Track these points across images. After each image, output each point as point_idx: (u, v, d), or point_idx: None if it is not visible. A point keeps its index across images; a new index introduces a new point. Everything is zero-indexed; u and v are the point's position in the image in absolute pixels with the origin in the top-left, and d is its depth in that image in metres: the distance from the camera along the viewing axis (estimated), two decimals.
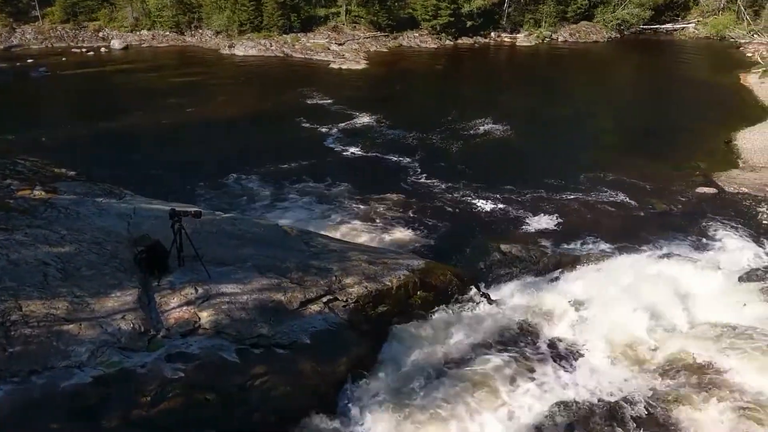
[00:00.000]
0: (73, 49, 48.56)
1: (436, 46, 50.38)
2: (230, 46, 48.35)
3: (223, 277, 11.69)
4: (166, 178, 22.44)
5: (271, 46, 48.66)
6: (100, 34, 51.38)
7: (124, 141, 26.92)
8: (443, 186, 22.29)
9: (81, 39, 50.70)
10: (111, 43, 50.01)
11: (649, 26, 54.84)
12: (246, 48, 48.04)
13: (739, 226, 19.09)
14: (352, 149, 26.54)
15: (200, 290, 11.08)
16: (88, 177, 19.87)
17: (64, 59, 45.05)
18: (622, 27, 53.73)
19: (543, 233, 18.87)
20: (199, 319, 10.43)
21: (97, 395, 8.32)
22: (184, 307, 10.61)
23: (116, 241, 12.61)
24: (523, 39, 52.52)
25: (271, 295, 11.53)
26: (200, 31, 52.28)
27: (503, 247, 17.34)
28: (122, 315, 9.97)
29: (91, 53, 47.81)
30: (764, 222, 19.40)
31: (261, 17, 50.35)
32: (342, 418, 10.20)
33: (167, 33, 51.90)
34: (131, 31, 51.72)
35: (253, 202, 20.94)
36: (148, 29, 52.02)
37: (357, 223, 19.03)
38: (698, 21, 55.42)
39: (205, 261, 11.54)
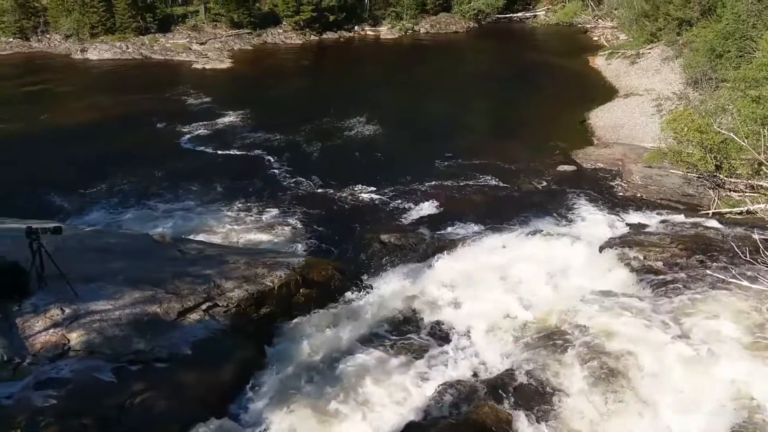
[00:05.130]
0: None
1: (301, 42, 50.08)
2: (83, 50, 45.64)
3: (93, 295, 11.16)
4: (20, 193, 20.80)
5: (128, 48, 46.44)
6: None
7: None
8: (319, 183, 22.20)
9: None
10: None
11: (503, 15, 57.48)
12: (100, 51, 45.55)
13: (597, 199, 20.46)
14: (224, 151, 25.78)
15: (67, 310, 10.53)
16: None
17: None
18: (479, 17, 55.96)
19: (420, 221, 19.29)
20: (69, 341, 9.97)
21: None
22: (51, 330, 10.08)
23: None
24: (386, 32, 53.33)
25: (146, 307, 11.13)
26: (48, 35, 48.92)
27: (383, 237, 17.55)
28: None
29: None
30: (619, 194, 20.92)
31: (113, 18, 47.89)
32: (233, 424, 10.05)
33: (11, 39, 48.16)
34: None
35: (119, 212, 19.87)
36: None
37: (233, 226, 18.61)
38: (548, 9, 58.72)
39: (70, 279, 10.92)
